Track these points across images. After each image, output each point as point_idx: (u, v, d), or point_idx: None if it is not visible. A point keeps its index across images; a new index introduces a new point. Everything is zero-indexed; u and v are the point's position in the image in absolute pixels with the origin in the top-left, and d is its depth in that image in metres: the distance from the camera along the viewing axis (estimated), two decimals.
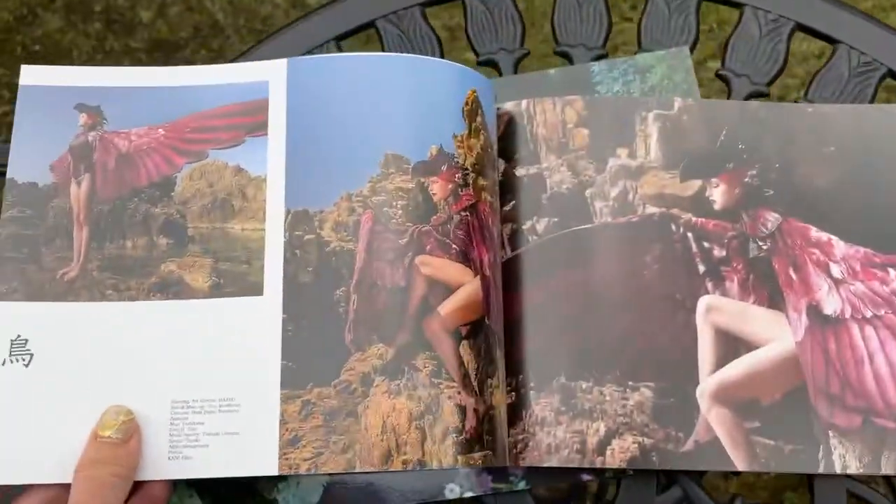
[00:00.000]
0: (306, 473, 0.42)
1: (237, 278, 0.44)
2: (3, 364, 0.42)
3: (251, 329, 0.43)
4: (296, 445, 0.41)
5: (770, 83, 0.52)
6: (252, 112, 0.47)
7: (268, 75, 0.47)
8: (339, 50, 0.55)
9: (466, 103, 0.47)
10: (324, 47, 0.54)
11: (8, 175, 0.45)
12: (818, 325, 0.46)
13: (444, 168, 0.45)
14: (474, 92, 0.47)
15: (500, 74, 0.54)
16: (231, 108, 0.47)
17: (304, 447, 0.41)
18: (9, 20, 1.34)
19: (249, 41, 1.34)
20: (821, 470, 0.44)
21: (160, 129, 0.47)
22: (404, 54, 0.48)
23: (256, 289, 0.44)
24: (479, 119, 0.47)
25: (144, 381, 0.42)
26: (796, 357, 0.46)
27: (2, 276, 0.44)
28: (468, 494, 0.45)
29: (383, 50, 0.55)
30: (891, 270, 0.47)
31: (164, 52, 1.32)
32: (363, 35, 0.57)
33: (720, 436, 0.44)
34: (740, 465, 0.44)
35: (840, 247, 0.48)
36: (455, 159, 0.46)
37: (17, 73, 0.47)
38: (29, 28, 1.33)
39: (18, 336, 0.42)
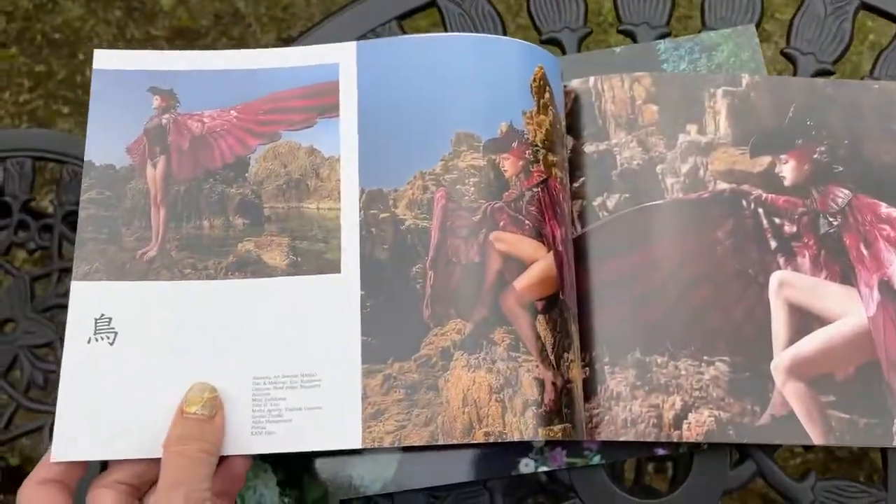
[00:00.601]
0: (389, 447, 0.42)
1: (314, 256, 0.44)
2: (88, 342, 0.42)
3: (330, 306, 0.43)
4: (378, 419, 0.42)
5: (836, 62, 0.53)
6: (323, 94, 0.47)
7: (338, 57, 0.48)
8: (401, 29, 0.55)
9: (534, 80, 0.47)
10: (386, 26, 0.54)
11: (86, 158, 0.46)
12: (890, 300, 0.46)
13: (514, 145, 0.46)
14: (542, 68, 0.47)
15: (563, 53, 0.54)
16: (302, 91, 0.47)
17: (386, 420, 0.42)
18: (28, 8, 1.33)
19: (270, 29, 1.34)
20: (895, 444, 0.44)
21: (232, 111, 0.47)
22: (471, 34, 0.48)
23: (334, 266, 0.44)
24: (547, 95, 0.47)
25: (226, 359, 0.42)
26: (869, 332, 0.46)
27: (84, 256, 0.44)
28: (543, 469, 0.45)
29: (445, 29, 0.55)
30: None
31: (185, 40, 1.32)
32: (424, 14, 0.56)
33: (796, 410, 0.45)
34: (816, 438, 0.44)
35: None
36: (525, 136, 0.46)
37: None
38: (49, 16, 1.32)
39: (102, 315, 0.43)
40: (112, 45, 1.31)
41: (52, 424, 0.41)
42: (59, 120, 1.25)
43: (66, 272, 0.82)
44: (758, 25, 0.53)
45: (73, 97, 1.26)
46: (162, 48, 1.31)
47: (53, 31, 1.31)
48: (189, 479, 0.38)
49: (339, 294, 0.43)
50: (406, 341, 0.43)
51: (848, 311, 0.46)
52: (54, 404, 0.41)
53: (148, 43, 1.32)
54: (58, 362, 0.77)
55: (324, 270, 0.44)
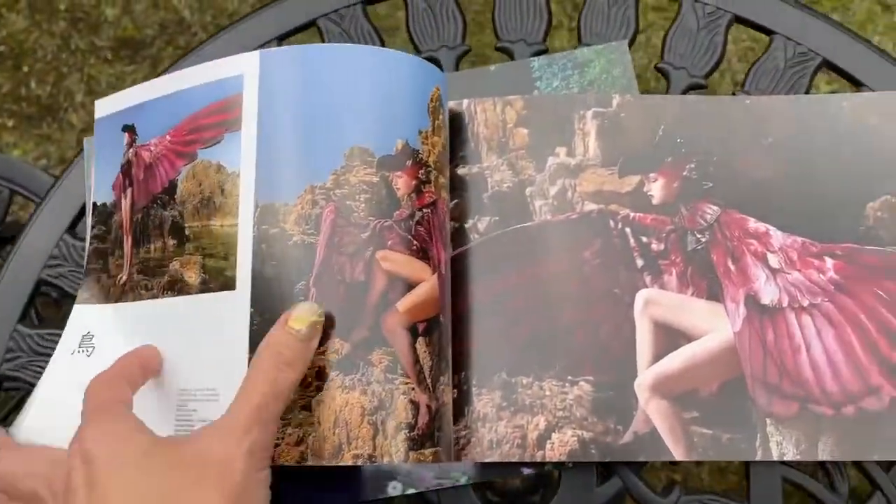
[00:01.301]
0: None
1: (217, 274, 0.45)
2: (72, 354, 0.48)
3: (226, 323, 0.44)
4: None
5: (708, 75, 0.53)
6: (230, 108, 0.46)
7: (242, 69, 0.46)
8: None
9: (431, 100, 0.46)
10: (266, 46, 0.54)
11: (92, 199, 0.52)
12: (756, 314, 0.47)
13: (408, 163, 0.45)
14: (438, 89, 0.47)
15: (441, 71, 0.54)
16: (214, 106, 0.47)
17: None
18: None
19: None
20: (758, 457, 0.45)
21: (167, 136, 0.49)
22: (376, 47, 0.47)
23: (231, 284, 0.44)
24: (441, 117, 0.47)
25: (161, 371, 0.46)
26: (734, 347, 0.46)
27: (86, 285, 0.50)
28: (411, 491, 0.46)
29: None
30: (827, 259, 0.48)
31: (130, 50, 1.32)
32: (304, 34, 0.56)
33: (658, 427, 0.45)
34: (678, 454, 0.45)
35: (777, 237, 0.48)
36: (419, 155, 0.45)
37: None
38: None
39: (88, 332, 0.49)
40: (56, 57, 1.30)
41: None
42: (5, 133, 1.25)
43: None
44: (632, 42, 0.53)
45: (17, 110, 1.26)
46: (107, 59, 1.31)
47: None
48: (274, 400, 0.39)
49: (233, 311, 0.44)
50: None
51: (714, 326, 0.47)
52: None
53: (93, 54, 1.32)
54: None
55: (224, 287, 0.45)
